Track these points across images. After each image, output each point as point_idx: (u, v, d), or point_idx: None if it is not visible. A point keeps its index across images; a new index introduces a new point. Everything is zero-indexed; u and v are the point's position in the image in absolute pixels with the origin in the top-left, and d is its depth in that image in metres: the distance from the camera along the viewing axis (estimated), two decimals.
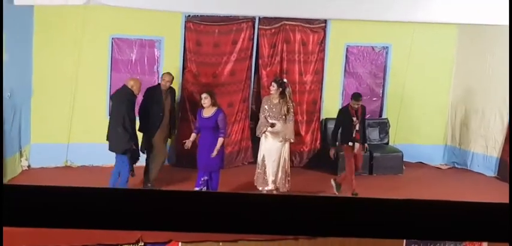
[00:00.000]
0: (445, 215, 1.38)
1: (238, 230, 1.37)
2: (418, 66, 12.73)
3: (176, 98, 11.87)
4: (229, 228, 1.38)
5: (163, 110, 10.35)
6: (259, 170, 10.24)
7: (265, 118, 10.15)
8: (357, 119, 10.48)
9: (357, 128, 10.49)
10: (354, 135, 10.48)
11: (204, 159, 9.76)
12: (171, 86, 10.65)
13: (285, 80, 10.56)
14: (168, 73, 10.64)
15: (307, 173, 11.96)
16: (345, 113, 10.71)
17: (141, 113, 10.43)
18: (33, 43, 11.03)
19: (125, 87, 10.07)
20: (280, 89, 10.11)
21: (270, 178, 10.13)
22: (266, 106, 10.22)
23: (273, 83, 10.33)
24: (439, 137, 13.21)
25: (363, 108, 10.82)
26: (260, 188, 10.16)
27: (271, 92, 10.26)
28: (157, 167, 10.44)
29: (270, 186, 10.11)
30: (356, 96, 10.71)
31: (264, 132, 10.14)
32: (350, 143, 10.54)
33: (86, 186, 1.36)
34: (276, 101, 10.14)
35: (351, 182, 10.56)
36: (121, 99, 9.92)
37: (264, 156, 10.17)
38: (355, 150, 10.50)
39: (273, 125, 10.11)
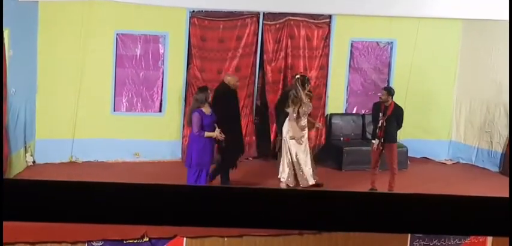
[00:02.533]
0: (450, 209, 1.38)
1: (243, 225, 1.38)
2: (423, 61, 12.71)
3: (181, 93, 11.91)
4: (234, 223, 1.38)
5: None
6: (287, 170, 10.26)
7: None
8: (383, 115, 10.31)
9: (380, 124, 10.33)
10: (377, 132, 10.41)
11: (210, 156, 9.71)
12: None
13: (307, 77, 10.69)
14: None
15: None
16: (375, 107, 10.60)
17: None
18: (38, 39, 11.04)
19: (224, 84, 10.36)
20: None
21: (309, 173, 10.23)
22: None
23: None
24: (443, 133, 13.20)
25: (396, 107, 10.44)
26: (302, 186, 10.23)
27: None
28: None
29: (312, 181, 10.28)
30: (385, 88, 10.49)
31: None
32: (373, 140, 10.54)
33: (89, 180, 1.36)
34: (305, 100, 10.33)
35: (371, 177, 10.60)
36: (231, 95, 10.18)
37: (296, 153, 10.23)
38: (375, 147, 10.44)
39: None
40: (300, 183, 10.26)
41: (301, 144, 10.25)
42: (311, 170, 10.28)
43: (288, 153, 10.24)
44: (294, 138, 10.21)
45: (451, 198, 1.38)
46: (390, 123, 10.30)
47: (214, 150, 9.99)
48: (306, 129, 10.31)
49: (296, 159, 10.22)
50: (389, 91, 10.42)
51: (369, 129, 12.68)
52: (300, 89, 10.22)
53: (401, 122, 10.48)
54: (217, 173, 10.28)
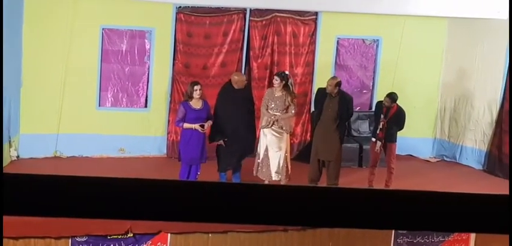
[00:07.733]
0: (433, 206, 1.39)
1: (227, 220, 1.38)
2: (408, 59, 12.76)
3: (167, 89, 11.88)
4: (218, 218, 1.38)
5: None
6: (260, 161, 10.20)
7: (267, 111, 10.12)
8: (385, 118, 10.33)
9: (381, 126, 10.36)
10: (377, 133, 10.45)
11: (198, 151, 9.67)
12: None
13: (287, 73, 10.54)
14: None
15: (297, 164, 11.96)
16: (378, 107, 10.67)
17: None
18: (23, 33, 10.98)
19: (229, 82, 10.28)
20: (284, 82, 10.09)
21: (274, 169, 10.13)
22: (268, 98, 10.18)
23: (276, 77, 10.27)
24: (428, 130, 13.26)
25: (399, 110, 10.42)
26: (265, 179, 10.12)
27: (274, 85, 10.23)
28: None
29: (275, 177, 10.11)
30: (388, 95, 10.44)
31: (271, 125, 10.09)
32: (373, 139, 10.60)
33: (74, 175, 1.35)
34: (278, 93, 10.10)
35: (369, 176, 10.63)
36: (233, 94, 10.14)
37: (267, 147, 10.13)
38: (376, 148, 10.47)
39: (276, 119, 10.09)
40: (259, 176, 10.19)
41: (273, 138, 10.14)
42: (276, 167, 10.12)
43: (260, 145, 10.26)
44: (268, 132, 10.15)
45: (434, 195, 1.39)
46: (391, 124, 10.37)
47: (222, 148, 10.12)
48: (282, 128, 10.13)
49: (264, 152, 10.18)
50: (393, 98, 10.42)
51: (355, 126, 12.75)
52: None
53: (403, 123, 10.51)
54: (222, 170, 10.28)
